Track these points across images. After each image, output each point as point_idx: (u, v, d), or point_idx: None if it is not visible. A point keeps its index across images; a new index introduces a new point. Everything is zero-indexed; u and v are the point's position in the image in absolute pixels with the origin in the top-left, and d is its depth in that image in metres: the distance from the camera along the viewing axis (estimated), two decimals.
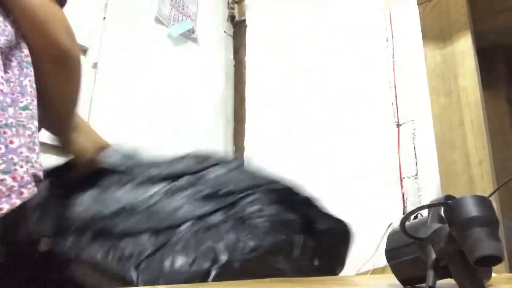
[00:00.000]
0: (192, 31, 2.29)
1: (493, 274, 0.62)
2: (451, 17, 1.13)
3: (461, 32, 1.10)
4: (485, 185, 0.99)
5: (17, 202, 0.50)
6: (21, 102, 0.59)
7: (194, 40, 2.31)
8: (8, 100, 0.54)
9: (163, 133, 1.93)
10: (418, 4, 1.21)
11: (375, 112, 1.90)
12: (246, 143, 2.33)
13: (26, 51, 0.62)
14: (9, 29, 0.60)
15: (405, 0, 1.21)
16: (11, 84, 0.58)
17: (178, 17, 2.23)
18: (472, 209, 0.46)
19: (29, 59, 0.62)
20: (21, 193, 0.51)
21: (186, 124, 2.13)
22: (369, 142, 1.88)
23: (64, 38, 0.65)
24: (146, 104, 1.95)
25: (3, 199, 0.49)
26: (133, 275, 0.67)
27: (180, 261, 0.67)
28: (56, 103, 0.71)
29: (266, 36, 2.42)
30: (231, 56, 2.55)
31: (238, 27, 2.59)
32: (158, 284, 0.65)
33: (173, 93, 2.11)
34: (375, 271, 1.58)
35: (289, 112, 2.19)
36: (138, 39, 2.01)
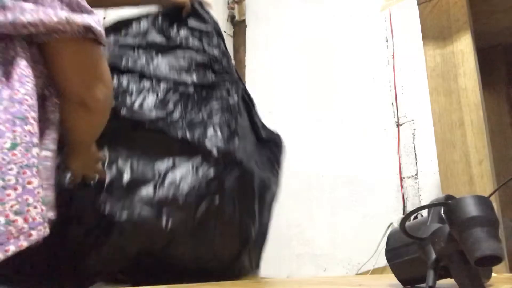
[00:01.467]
0: None
1: (493, 274, 0.62)
2: (451, 17, 1.13)
3: (461, 32, 1.10)
4: (485, 185, 0.99)
5: (24, 244, 0.49)
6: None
7: None
8: (35, 140, 0.54)
9: None
10: (418, 4, 1.21)
11: (375, 112, 1.90)
12: None
13: (53, 92, 0.63)
14: (45, 72, 0.61)
15: (405, 0, 1.21)
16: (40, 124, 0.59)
17: None
18: (472, 209, 0.46)
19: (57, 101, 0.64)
20: (30, 235, 0.50)
21: None
22: (369, 142, 1.88)
23: (99, 91, 0.65)
24: None
25: (11, 241, 0.48)
26: None
27: None
28: (71, 136, 0.71)
29: (266, 36, 2.42)
30: (231, 56, 2.55)
31: (238, 27, 2.59)
32: None
33: None
34: (375, 271, 1.58)
35: (289, 112, 2.19)
36: None
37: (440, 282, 0.51)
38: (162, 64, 0.89)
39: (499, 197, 1.00)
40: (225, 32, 2.54)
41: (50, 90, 0.62)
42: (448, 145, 1.06)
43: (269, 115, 2.27)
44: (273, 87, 2.30)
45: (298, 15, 2.29)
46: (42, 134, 0.58)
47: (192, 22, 0.98)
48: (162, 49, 0.92)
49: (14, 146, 0.51)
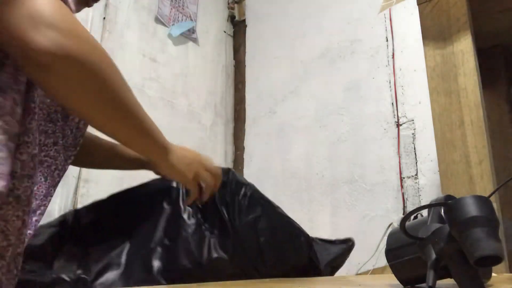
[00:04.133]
0: (192, 31, 2.29)
1: (493, 274, 0.61)
2: (451, 17, 1.13)
3: (461, 32, 1.10)
4: (485, 185, 0.98)
5: None
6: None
7: (194, 40, 2.31)
8: None
9: (162, 132, 1.93)
10: (418, 4, 1.20)
11: (375, 112, 1.90)
12: (246, 143, 2.33)
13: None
14: None
15: (405, 0, 1.21)
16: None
17: (178, 17, 2.23)
18: (472, 209, 0.46)
19: None
20: None
21: (186, 124, 2.13)
22: (369, 142, 1.88)
23: (36, 30, 0.46)
24: (146, 104, 1.95)
25: None
26: None
27: None
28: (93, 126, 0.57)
29: (266, 36, 2.42)
30: (231, 56, 2.56)
31: (238, 27, 2.59)
32: None
33: (173, 92, 2.11)
34: (375, 271, 1.58)
35: (289, 112, 2.19)
36: (138, 39, 2.00)
37: (440, 282, 0.51)
38: None
39: (499, 197, 1.00)
40: (225, 32, 2.55)
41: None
42: (448, 145, 1.06)
43: (269, 115, 2.27)
44: (273, 87, 2.30)
45: (298, 15, 2.29)
46: None
47: None
48: None
49: None
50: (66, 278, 0.71)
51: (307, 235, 0.90)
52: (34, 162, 0.53)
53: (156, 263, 0.74)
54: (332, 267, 0.94)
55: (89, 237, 0.79)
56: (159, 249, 0.76)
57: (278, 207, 0.89)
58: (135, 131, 0.61)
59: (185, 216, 0.81)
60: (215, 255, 0.76)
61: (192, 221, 0.81)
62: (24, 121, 0.52)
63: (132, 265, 0.75)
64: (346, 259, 0.98)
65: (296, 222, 0.90)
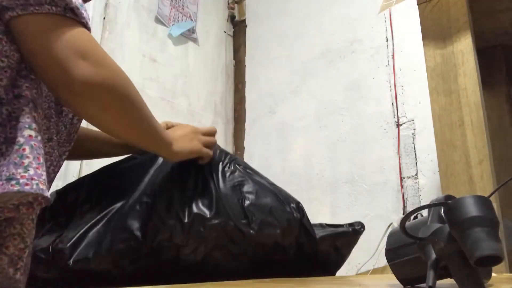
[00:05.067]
0: (192, 31, 2.29)
1: (493, 274, 0.61)
2: (451, 17, 1.13)
3: (461, 32, 1.10)
4: (485, 185, 0.98)
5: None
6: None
7: (194, 40, 2.31)
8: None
9: None
10: (418, 4, 1.21)
11: (375, 112, 1.90)
12: (246, 143, 2.33)
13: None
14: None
15: (405, 0, 1.21)
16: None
17: (178, 17, 2.23)
18: (472, 209, 0.46)
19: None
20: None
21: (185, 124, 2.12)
22: (369, 142, 1.88)
23: (79, 69, 0.53)
24: (147, 104, 1.95)
25: None
26: None
27: None
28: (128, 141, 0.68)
29: (266, 36, 2.42)
30: (231, 56, 2.56)
31: (238, 27, 2.59)
32: None
33: (173, 92, 2.11)
34: (375, 271, 1.58)
35: (289, 112, 2.19)
36: (138, 39, 2.00)
37: (440, 282, 0.51)
38: None
39: (499, 197, 1.00)
40: (225, 32, 2.55)
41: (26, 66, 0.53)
42: (448, 145, 1.06)
43: (269, 115, 2.27)
44: (273, 87, 2.30)
45: (298, 15, 2.29)
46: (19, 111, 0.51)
47: None
48: None
49: None
50: (42, 255, 0.69)
51: (298, 202, 0.86)
52: (47, 169, 0.56)
53: (135, 221, 0.72)
54: (336, 248, 0.90)
55: (72, 214, 0.77)
56: (137, 207, 0.74)
57: (264, 177, 0.87)
58: (146, 135, 0.68)
59: (167, 175, 0.80)
60: (195, 210, 0.73)
61: (175, 179, 0.79)
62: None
63: (110, 227, 0.73)
64: (353, 241, 0.93)
65: (285, 191, 0.87)
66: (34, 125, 0.50)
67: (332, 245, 0.89)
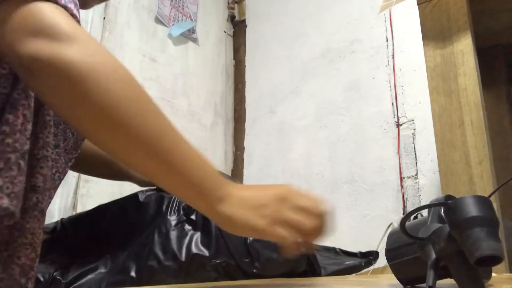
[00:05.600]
0: (192, 31, 2.29)
1: (493, 274, 0.61)
2: (451, 17, 1.13)
3: (461, 32, 1.10)
4: (485, 185, 0.98)
5: None
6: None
7: (194, 40, 2.31)
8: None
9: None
10: (418, 4, 1.20)
11: (375, 112, 1.90)
12: (246, 143, 2.33)
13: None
14: None
15: (405, 0, 1.21)
16: None
17: (178, 17, 2.23)
18: (472, 209, 0.46)
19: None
20: None
21: (186, 124, 2.13)
22: (369, 142, 1.88)
23: (23, 41, 0.45)
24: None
25: None
26: None
27: None
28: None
29: (266, 36, 2.42)
30: (231, 56, 2.56)
31: (238, 27, 2.59)
32: None
33: (173, 92, 2.11)
34: (375, 271, 1.58)
35: (289, 112, 2.19)
36: (138, 39, 2.00)
37: (440, 282, 0.51)
38: None
39: (499, 197, 0.99)
40: (225, 32, 2.55)
41: None
42: (448, 145, 1.06)
43: (269, 115, 2.27)
44: (273, 87, 2.30)
45: (298, 15, 2.29)
46: None
47: None
48: None
49: None
50: (41, 278, 0.70)
51: None
52: (52, 175, 0.55)
53: (132, 263, 0.71)
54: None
55: (76, 247, 0.78)
56: (136, 248, 0.73)
57: None
58: (162, 168, 0.48)
59: (167, 215, 0.77)
60: (194, 250, 0.71)
61: (173, 217, 0.77)
62: (42, 135, 0.53)
63: (109, 269, 0.72)
64: (359, 270, 0.90)
65: None
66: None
67: (338, 274, 0.88)
